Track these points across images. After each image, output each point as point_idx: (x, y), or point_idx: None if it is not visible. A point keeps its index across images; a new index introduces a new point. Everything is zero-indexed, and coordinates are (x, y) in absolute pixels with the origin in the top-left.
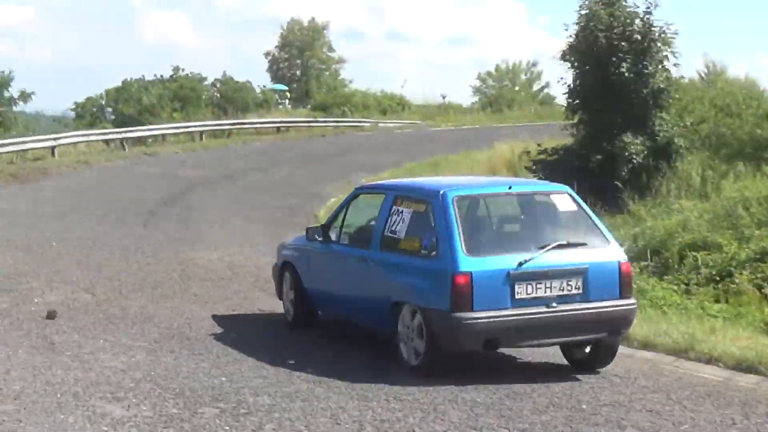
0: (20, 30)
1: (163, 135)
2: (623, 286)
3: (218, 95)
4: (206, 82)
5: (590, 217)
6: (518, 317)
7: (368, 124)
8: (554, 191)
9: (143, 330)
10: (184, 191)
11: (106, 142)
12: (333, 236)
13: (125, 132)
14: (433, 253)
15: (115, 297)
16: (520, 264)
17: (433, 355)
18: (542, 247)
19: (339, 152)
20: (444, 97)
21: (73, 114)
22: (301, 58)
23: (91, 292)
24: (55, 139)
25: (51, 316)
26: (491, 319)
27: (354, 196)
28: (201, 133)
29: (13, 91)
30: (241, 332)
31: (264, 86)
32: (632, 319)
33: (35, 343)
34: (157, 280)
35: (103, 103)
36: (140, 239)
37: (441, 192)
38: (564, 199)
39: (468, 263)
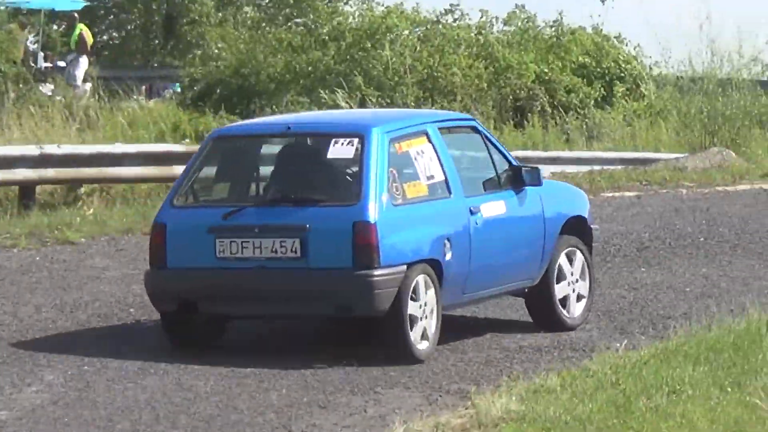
0: None
1: None
2: (357, 253)
3: None
4: None
5: (364, 169)
6: (216, 279)
7: None
8: (342, 134)
9: None
10: None
11: None
12: None
13: None
14: None
15: None
16: (224, 217)
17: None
18: (271, 201)
19: None
20: None
21: None
22: None
23: None
24: None
25: None
26: (184, 279)
27: None
28: None
29: None
30: None
31: None
32: (368, 295)
33: None
34: None
35: None
36: None
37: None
38: (345, 144)
39: (167, 215)
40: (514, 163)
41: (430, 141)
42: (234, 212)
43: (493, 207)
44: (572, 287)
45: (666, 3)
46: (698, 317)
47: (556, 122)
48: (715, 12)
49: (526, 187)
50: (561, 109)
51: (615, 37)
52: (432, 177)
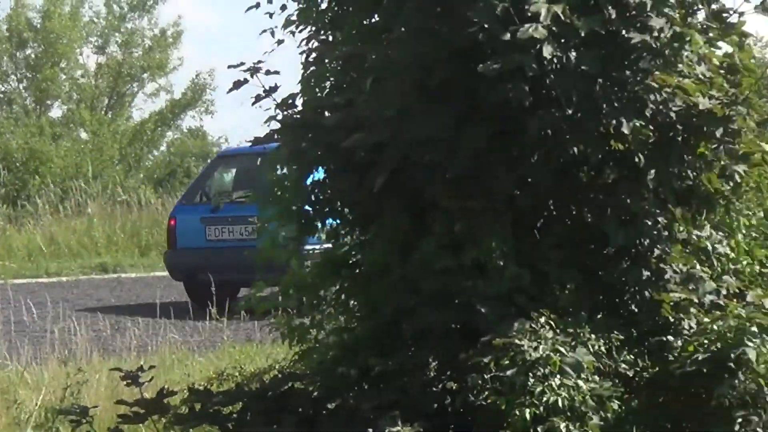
0: None
1: None
2: None
3: None
4: None
5: None
6: (206, 255)
7: None
8: None
9: None
10: None
11: None
12: None
13: None
14: None
15: None
16: (212, 211)
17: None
18: (240, 198)
19: None
20: None
21: None
22: None
23: None
24: None
25: None
26: (188, 255)
27: None
28: None
29: None
30: None
31: None
32: None
33: None
34: None
35: None
36: None
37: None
38: None
39: (178, 210)
40: None
41: None
42: (217, 208)
43: None
44: None
45: None
46: None
47: None
48: None
49: None
50: None
51: None
52: None
